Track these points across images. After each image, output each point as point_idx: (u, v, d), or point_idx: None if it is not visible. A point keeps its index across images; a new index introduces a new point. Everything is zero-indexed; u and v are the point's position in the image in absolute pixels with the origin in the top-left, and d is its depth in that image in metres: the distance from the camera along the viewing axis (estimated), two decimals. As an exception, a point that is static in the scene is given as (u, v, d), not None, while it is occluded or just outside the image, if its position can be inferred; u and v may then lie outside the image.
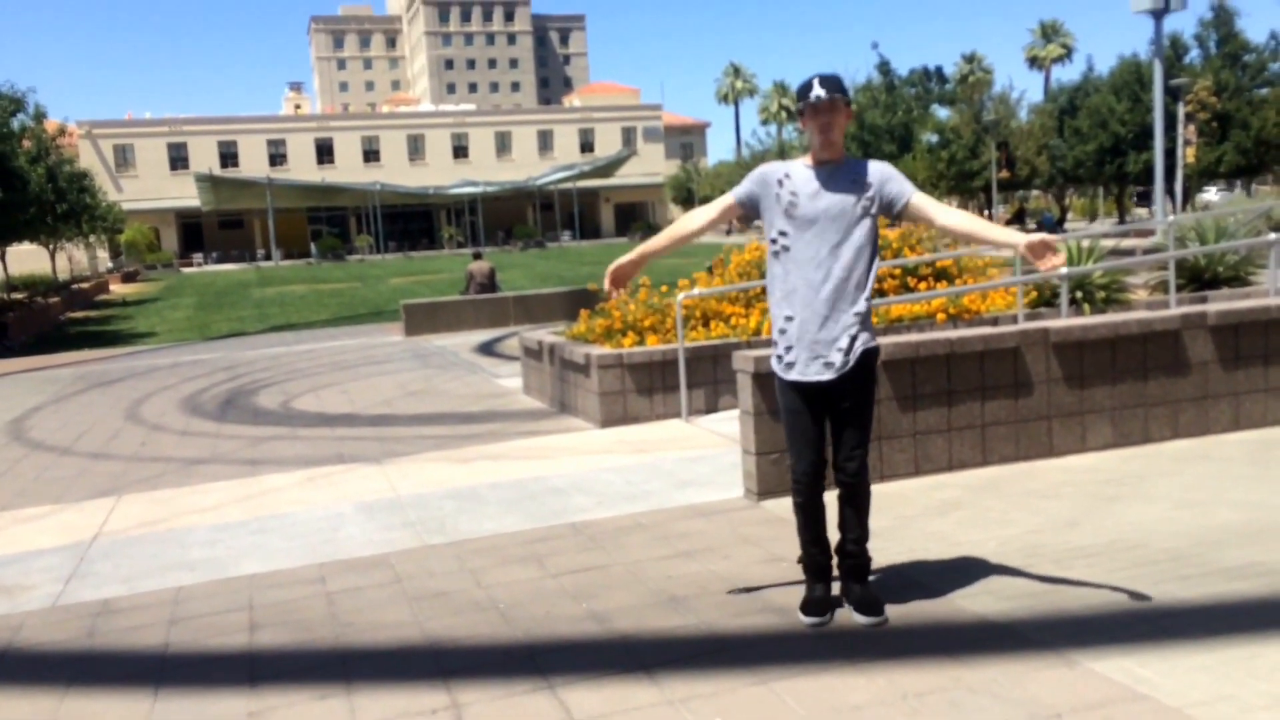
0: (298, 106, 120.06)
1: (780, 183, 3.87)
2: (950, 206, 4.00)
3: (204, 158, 72.74)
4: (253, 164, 74.11)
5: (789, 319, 3.85)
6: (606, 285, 4.10)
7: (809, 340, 3.80)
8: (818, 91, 3.78)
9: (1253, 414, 6.52)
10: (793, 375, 3.84)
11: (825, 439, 3.90)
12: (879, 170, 3.87)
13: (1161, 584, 4.03)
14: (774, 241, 3.90)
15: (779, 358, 3.90)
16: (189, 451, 8.83)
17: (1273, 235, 8.82)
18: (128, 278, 56.13)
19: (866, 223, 3.82)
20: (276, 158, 75.99)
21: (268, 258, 69.32)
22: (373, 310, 26.06)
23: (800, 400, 3.86)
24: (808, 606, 3.95)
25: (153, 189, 71.62)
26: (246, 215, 72.78)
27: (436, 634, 4.06)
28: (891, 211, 3.87)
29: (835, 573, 4.04)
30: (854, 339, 3.79)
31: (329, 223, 75.36)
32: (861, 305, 3.80)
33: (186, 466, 8.17)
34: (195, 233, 73.58)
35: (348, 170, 76.09)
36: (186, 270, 64.68)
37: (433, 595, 4.52)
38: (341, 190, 70.95)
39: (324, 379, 13.02)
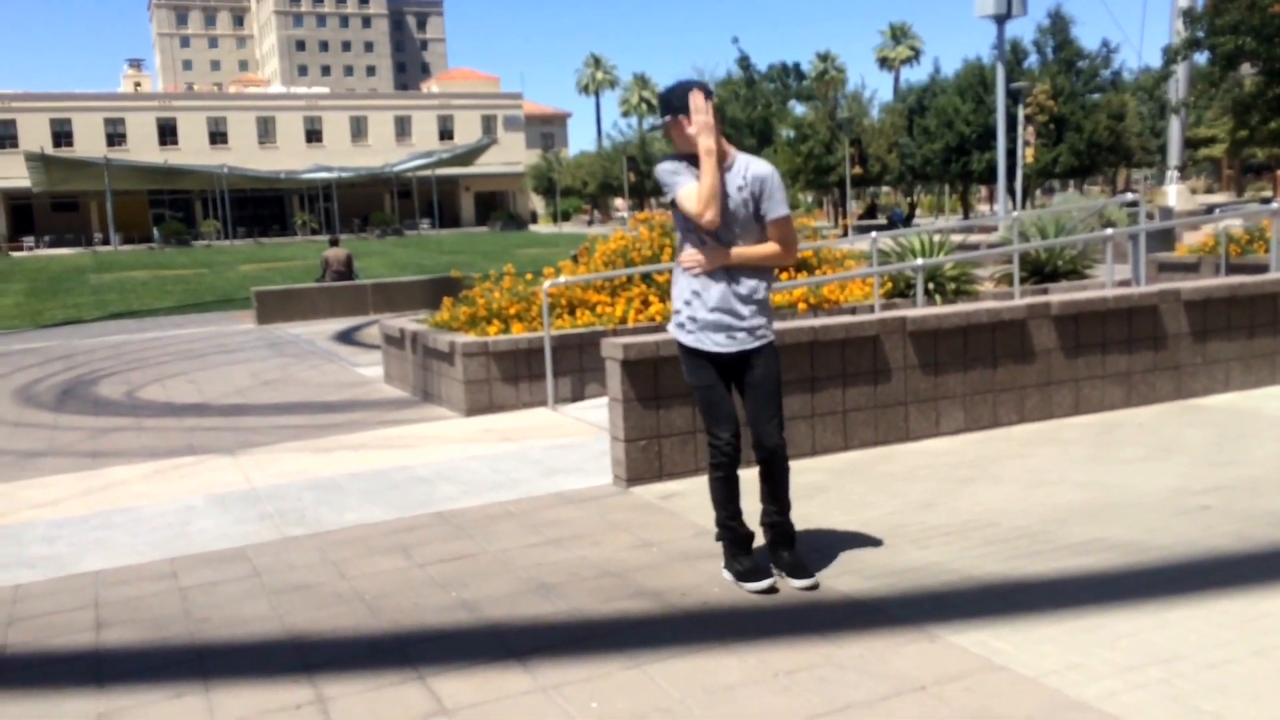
0: (138, 84, 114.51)
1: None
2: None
3: (35, 136, 68.69)
4: (89, 144, 70.33)
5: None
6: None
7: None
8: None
9: (1091, 399, 6.88)
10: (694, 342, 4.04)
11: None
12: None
13: (1013, 560, 4.21)
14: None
15: (681, 325, 4.07)
16: (23, 444, 8.31)
17: (1108, 230, 9.34)
18: (-51, 262, 52.51)
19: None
20: (115, 137, 72.32)
21: (106, 242, 65.88)
22: (222, 297, 25.04)
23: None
24: (758, 573, 4.07)
25: (-23, 168, 67.26)
26: (82, 197, 69.08)
27: (299, 628, 3.93)
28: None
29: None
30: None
31: (172, 206, 72.17)
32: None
33: (21, 460, 7.69)
34: (25, 215, 69.43)
35: (192, 152, 72.96)
36: (16, 255, 60.81)
37: (294, 588, 4.37)
38: (186, 173, 67.96)
39: (171, 368, 12.46)
